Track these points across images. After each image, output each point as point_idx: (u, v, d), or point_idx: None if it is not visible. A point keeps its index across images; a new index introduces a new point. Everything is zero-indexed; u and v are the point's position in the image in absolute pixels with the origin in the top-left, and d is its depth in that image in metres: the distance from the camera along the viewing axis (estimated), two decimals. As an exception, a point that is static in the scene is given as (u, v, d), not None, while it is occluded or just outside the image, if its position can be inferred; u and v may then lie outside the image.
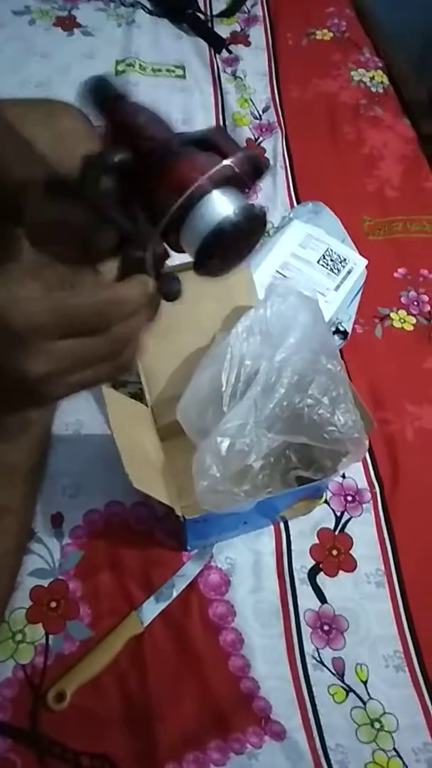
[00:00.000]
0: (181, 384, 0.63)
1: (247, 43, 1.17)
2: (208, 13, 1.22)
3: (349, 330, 0.79)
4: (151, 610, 0.60)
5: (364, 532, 0.66)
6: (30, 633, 0.59)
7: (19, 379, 0.34)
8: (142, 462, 0.60)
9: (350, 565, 0.64)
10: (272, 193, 0.95)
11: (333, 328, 0.77)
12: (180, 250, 0.39)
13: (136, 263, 0.38)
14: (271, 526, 0.65)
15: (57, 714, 0.55)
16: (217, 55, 1.14)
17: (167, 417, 0.65)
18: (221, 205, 0.36)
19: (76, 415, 0.73)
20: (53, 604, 0.60)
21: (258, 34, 1.19)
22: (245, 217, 0.36)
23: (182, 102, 1.05)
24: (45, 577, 0.62)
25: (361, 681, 0.59)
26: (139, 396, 0.72)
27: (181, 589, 0.61)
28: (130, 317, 0.35)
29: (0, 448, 0.59)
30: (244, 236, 0.38)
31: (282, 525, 0.66)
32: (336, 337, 0.77)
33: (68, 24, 1.15)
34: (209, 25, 1.19)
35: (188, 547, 0.63)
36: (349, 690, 0.58)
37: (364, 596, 0.63)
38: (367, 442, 0.55)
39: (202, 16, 1.19)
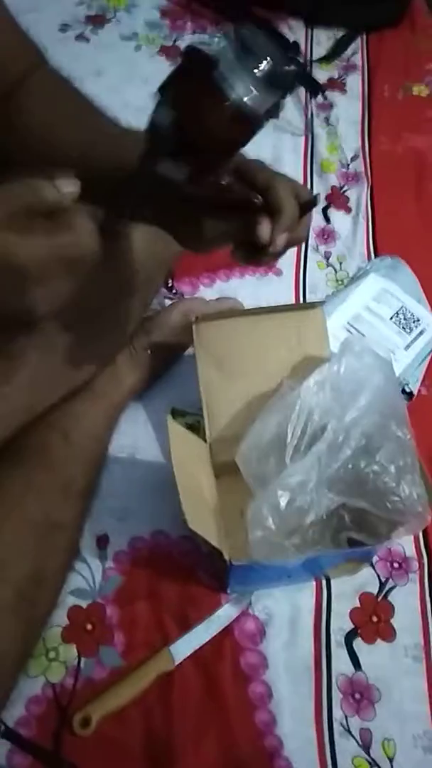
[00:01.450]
0: (242, 425, 0.63)
1: (343, 91, 1.19)
2: (308, 57, 1.24)
3: (415, 392, 0.78)
4: (184, 648, 0.60)
5: (408, 603, 0.65)
6: (63, 652, 0.59)
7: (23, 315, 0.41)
8: (197, 500, 0.60)
9: (389, 635, 0.63)
10: (351, 242, 0.95)
11: (399, 389, 0.77)
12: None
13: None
14: (313, 582, 0.65)
15: (80, 739, 0.55)
16: (312, 99, 1.15)
17: (224, 455, 0.65)
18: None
19: (133, 438, 0.74)
20: (89, 627, 0.61)
21: (355, 82, 1.21)
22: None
23: (273, 142, 1.06)
24: (85, 597, 0.63)
25: (387, 757, 0.57)
26: (195, 428, 0.73)
27: (216, 632, 0.61)
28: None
29: (57, 458, 0.61)
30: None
31: (324, 582, 0.65)
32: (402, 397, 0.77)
33: (172, 53, 1.19)
34: (308, 68, 1.21)
35: (228, 591, 0.63)
36: (373, 764, 0.57)
37: (399, 669, 0.61)
38: (429, 517, 0.54)
39: (301, 60, 1.21)
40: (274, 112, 0.41)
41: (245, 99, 0.39)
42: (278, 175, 0.50)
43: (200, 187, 0.45)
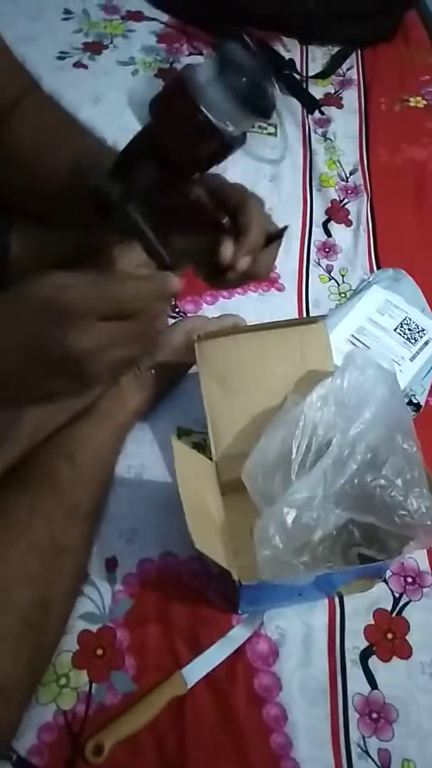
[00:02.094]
0: (247, 442, 0.63)
1: (340, 106, 1.20)
2: (304, 73, 1.25)
3: (423, 403, 0.77)
4: (196, 671, 0.59)
5: (423, 619, 0.63)
6: (74, 678, 0.59)
7: (63, 354, 0.40)
8: (204, 520, 0.59)
9: (405, 652, 0.62)
10: (353, 255, 0.95)
11: (406, 400, 0.76)
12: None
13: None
14: (326, 600, 0.64)
15: (93, 767, 0.54)
16: (309, 116, 1.16)
17: (231, 473, 0.64)
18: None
19: (139, 458, 0.73)
20: (99, 652, 0.60)
21: (351, 97, 1.21)
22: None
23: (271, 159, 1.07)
24: (94, 622, 0.62)
25: (408, 779, 0.56)
26: (201, 446, 0.72)
27: (228, 653, 0.60)
28: (157, 304, 0.43)
29: (64, 481, 0.61)
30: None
31: (337, 600, 0.64)
32: (408, 408, 0.76)
33: (169, 76, 1.20)
34: (304, 85, 1.22)
35: (239, 611, 0.62)
36: (393, 787, 0.55)
37: (417, 687, 0.60)
38: (439, 531, 0.54)
39: (297, 77, 1.23)
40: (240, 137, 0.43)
41: (213, 114, 0.40)
42: (252, 199, 0.50)
43: (167, 197, 0.46)
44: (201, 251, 0.50)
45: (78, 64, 1.20)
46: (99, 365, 0.41)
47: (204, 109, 0.40)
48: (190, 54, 1.26)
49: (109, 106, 1.12)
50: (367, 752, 0.57)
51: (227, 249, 0.48)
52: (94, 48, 1.24)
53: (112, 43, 1.26)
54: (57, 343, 0.40)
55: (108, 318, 0.40)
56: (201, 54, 1.26)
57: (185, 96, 0.41)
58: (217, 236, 0.49)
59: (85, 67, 1.20)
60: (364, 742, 0.57)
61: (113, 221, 0.47)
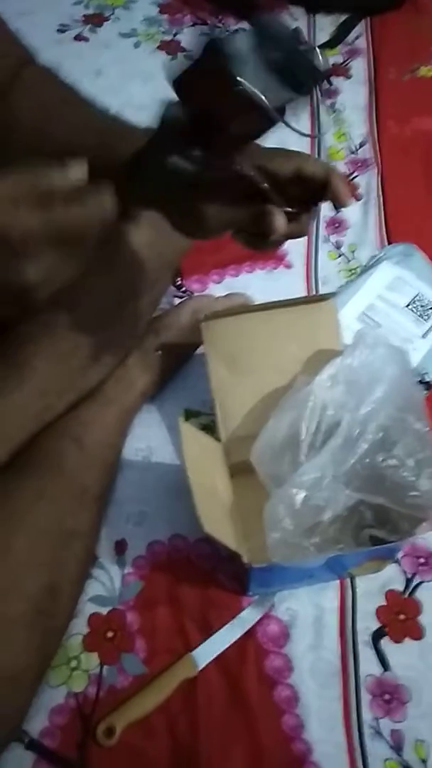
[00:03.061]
0: (257, 424, 0.62)
1: (348, 76, 1.16)
2: (312, 43, 1.21)
3: (434, 381, 0.76)
4: (206, 654, 0.59)
5: (435, 599, 0.63)
6: (85, 661, 0.59)
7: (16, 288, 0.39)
8: (213, 502, 0.59)
9: (417, 633, 0.61)
10: (362, 230, 0.93)
11: (417, 379, 0.74)
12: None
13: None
14: (337, 581, 0.63)
15: (105, 749, 0.54)
16: (317, 86, 1.13)
17: (239, 455, 0.64)
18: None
19: (146, 441, 0.73)
20: (110, 634, 0.60)
21: (360, 67, 1.18)
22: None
23: (278, 132, 1.04)
24: (104, 604, 0.62)
25: (421, 759, 0.55)
26: (210, 428, 0.71)
27: (239, 635, 0.60)
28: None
29: (71, 465, 0.60)
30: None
31: (348, 581, 0.63)
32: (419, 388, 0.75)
33: (172, 48, 1.17)
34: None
35: (249, 593, 0.62)
36: (406, 767, 0.55)
37: (429, 668, 0.59)
38: (451, 512, 0.53)
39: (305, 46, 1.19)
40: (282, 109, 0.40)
41: (254, 89, 0.38)
42: (302, 157, 0.48)
43: (213, 174, 0.44)
44: (244, 220, 0.48)
45: (79, 37, 1.17)
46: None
47: (243, 80, 0.38)
48: (194, 24, 1.22)
49: (112, 79, 1.10)
50: (380, 733, 0.56)
51: (279, 221, 0.46)
52: (95, 20, 1.21)
53: (113, 14, 1.22)
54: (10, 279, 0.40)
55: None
56: (205, 24, 1.22)
57: (223, 76, 0.38)
58: (262, 206, 0.47)
59: (86, 39, 1.17)
60: (377, 723, 0.57)
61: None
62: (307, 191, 0.48)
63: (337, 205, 0.48)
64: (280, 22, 0.40)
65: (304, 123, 1.07)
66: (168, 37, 1.19)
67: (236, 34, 0.39)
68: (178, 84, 0.41)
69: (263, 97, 0.38)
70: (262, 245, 0.49)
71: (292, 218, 0.48)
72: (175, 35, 1.20)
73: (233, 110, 0.40)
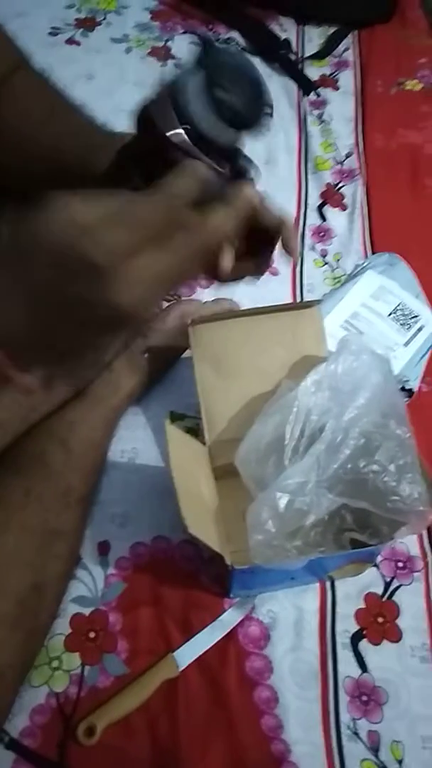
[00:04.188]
0: (241, 427, 0.62)
1: (336, 87, 1.18)
2: (300, 54, 1.23)
3: (415, 389, 0.77)
4: (188, 654, 0.59)
5: (413, 603, 0.64)
6: (67, 661, 0.59)
7: (110, 311, 0.33)
8: (197, 504, 0.59)
9: (395, 635, 0.62)
10: (347, 239, 0.94)
11: (399, 386, 0.76)
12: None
13: None
14: (317, 584, 0.64)
15: (85, 749, 0.54)
16: (305, 97, 1.15)
17: (224, 458, 0.64)
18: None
19: (132, 443, 0.73)
20: (92, 635, 0.60)
21: (348, 78, 1.20)
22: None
23: (266, 141, 1.05)
24: (87, 605, 0.62)
25: (396, 760, 0.56)
26: (195, 431, 0.72)
27: (220, 637, 0.61)
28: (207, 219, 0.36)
29: (56, 465, 0.60)
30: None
31: (328, 584, 0.64)
32: (401, 394, 0.76)
33: (163, 54, 1.18)
34: (300, 66, 1.20)
35: (231, 595, 0.63)
36: (382, 767, 0.56)
37: (406, 670, 0.60)
38: (431, 516, 0.54)
39: (293, 57, 1.21)
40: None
41: (202, 127, 0.40)
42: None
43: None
44: None
45: (71, 41, 1.18)
46: (148, 309, 0.35)
47: (172, 132, 0.40)
48: (185, 32, 1.23)
49: (103, 83, 1.10)
50: (357, 734, 0.57)
51: (227, 261, 0.45)
52: (87, 24, 1.21)
53: (105, 19, 1.23)
54: (100, 304, 0.33)
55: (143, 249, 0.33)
56: (194, 33, 1.23)
57: (165, 114, 0.40)
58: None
59: (78, 43, 1.18)
60: (354, 724, 0.58)
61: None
62: (260, 236, 0.49)
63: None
64: (234, 54, 0.42)
65: (292, 133, 1.08)
66: (159, 44, 1.20)
67: (189, 75, 0.40)
68: (137, 117, 0.43)
69: (186, 141, 0.40)
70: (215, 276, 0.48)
71: (244, 260, 0.49)
72: (166, 42, 1.21)
73: (168, 149, 0.41)
